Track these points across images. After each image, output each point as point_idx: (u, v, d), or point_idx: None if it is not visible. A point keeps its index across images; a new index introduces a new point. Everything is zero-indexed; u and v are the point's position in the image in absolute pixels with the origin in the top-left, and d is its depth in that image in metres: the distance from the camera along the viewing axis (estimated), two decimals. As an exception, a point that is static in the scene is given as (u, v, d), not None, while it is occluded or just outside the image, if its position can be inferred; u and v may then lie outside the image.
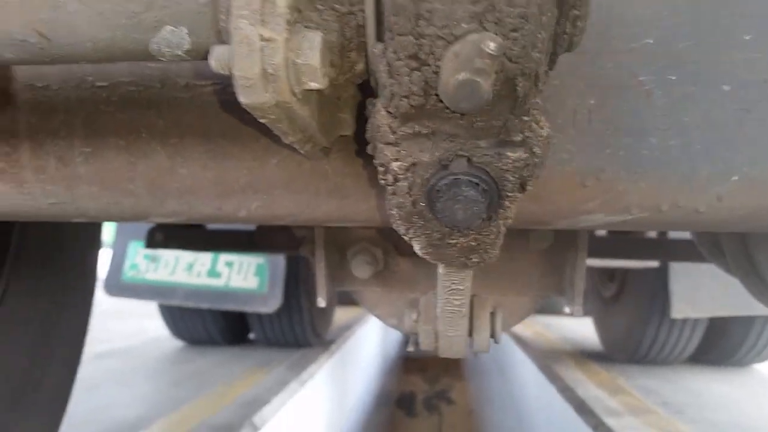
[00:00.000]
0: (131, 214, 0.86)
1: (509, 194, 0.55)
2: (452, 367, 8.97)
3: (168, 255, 3.97)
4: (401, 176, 0.55)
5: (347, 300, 6.83)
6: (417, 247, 0.63)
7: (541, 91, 0.50)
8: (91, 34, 0.55)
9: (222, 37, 0.53)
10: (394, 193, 0.57)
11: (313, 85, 0.50)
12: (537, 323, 6.58)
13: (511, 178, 0.54)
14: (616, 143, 0.73)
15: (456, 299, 0.82)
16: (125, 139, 0.81)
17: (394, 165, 0.55)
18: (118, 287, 3.98)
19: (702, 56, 0.71)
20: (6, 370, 1.50)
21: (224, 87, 0.79)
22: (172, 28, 0.53)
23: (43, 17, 0.55)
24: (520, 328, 6.02)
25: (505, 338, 5.84)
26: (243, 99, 0.49)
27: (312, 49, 0.48)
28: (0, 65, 0.64)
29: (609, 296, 4.44)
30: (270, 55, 0.47)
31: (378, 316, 1.38)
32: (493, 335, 1.00)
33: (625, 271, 4.12)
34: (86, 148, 0.82)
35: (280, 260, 3.91)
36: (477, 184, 0.52)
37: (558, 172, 0.74)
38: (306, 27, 0.50)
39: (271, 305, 3.90)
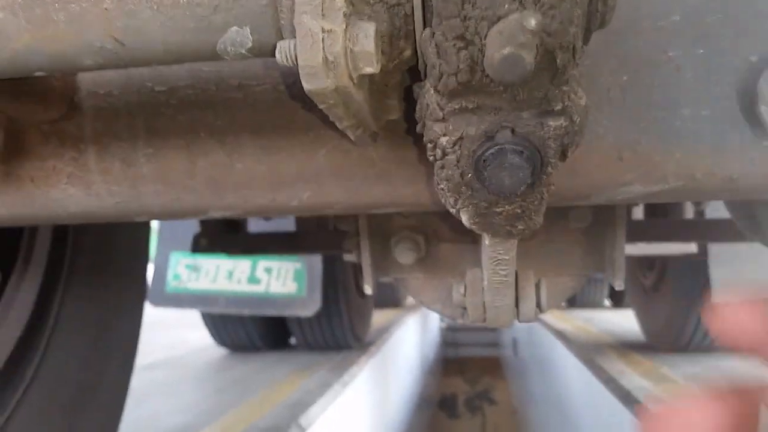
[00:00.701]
0: (192, 210, 0.92)
1: (551, 160, 0.59)
2: (492, 367, 8.93)
3: (208, 264, 4.07)
4: (449, 150, 0.60)
5: (383, 303, 6.86)
6: (465, 218, 0.67)
7: (577, 65, 0.54)
8: (163, 37, 0.60)
9: (282, 33, 0.58)
10: (443, 167, 0.61)
11: (368, 70, 0.55)
12: (577, 318, 6.52)
13: (553, 145, 0.58)
14: (650, 116, 0.76)
15: (502, 269, 0.86)
16: (185, 138, 0.86)
17: (443, 140, 0.59)
18: (163, 298, 4.09)
19: (729, 29, 0.74)
20: (64, 375, 1.56)
21: (275, 85, 0.84)
22: (238, 28, 0.58)
23: (119, 25, 0.60)
24: (560, 323, 5.99)
25: (545, 333, 5.81)
26: (307, 85, 0.54)
27: (367, 38, 0.54)
28: (79, 71, 0.70)
29: (649, 285, 4.39)
30: (331, 44, 0.53)
31: (422, 302, 1.43)
32: (538, 305, 1.04)
33: (665, 259, 4.08)
34: (149, 149, 0.88)
35: (317, 264, 3.97)
36: (521, 152, 0.56)
37: (595, 148, 0.77)
38: (359, 19, 0.56)
39: (311, 309, 3.96)
